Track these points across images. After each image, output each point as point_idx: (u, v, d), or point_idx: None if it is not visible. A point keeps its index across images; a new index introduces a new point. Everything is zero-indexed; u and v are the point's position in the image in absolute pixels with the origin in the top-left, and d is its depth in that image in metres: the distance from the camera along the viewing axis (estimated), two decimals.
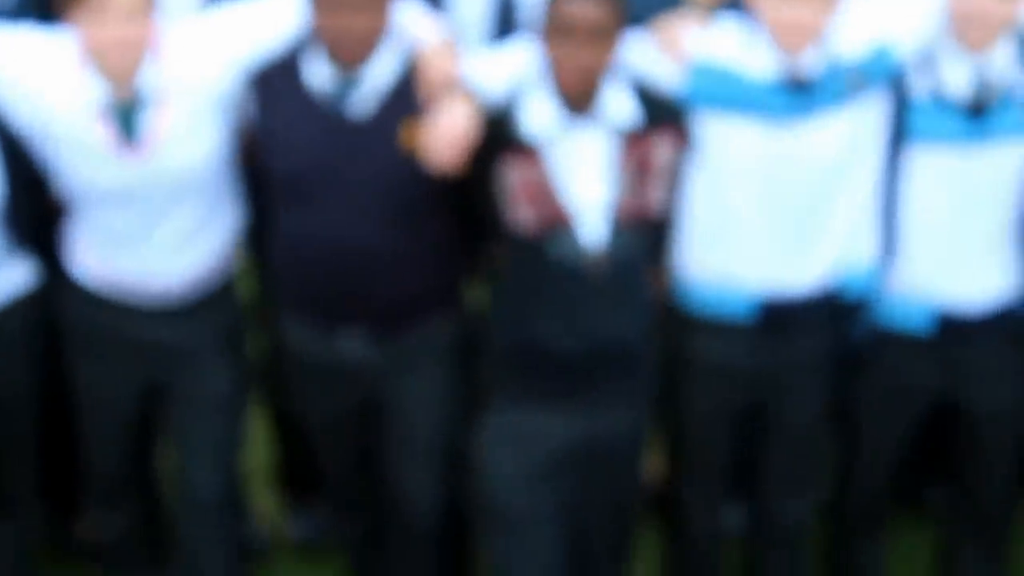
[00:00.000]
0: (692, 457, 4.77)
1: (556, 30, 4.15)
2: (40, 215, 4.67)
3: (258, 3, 4.62)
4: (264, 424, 5.31)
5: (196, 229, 4.59)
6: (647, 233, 4.36)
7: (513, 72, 4.33)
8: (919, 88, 4.43)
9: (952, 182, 4.46)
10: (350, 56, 4.30)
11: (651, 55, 4.39)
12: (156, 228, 4.55)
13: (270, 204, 4.53)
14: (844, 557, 5.08)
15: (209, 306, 4.71)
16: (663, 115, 4.29)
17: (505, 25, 4.97)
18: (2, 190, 4.55)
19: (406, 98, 4.35)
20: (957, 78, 4.39)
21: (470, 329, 4.60)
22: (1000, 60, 4.37)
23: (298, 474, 5.51)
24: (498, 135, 4.21)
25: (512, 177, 4.22)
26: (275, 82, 4.44)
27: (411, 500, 4.68)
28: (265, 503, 5.53)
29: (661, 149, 4.29)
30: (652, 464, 4.87)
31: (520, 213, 4.24)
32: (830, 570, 5.14)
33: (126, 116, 4.40)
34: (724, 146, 4.36)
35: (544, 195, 4.24)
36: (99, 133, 4.38)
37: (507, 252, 4.35)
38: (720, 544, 4.93)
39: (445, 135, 4.20)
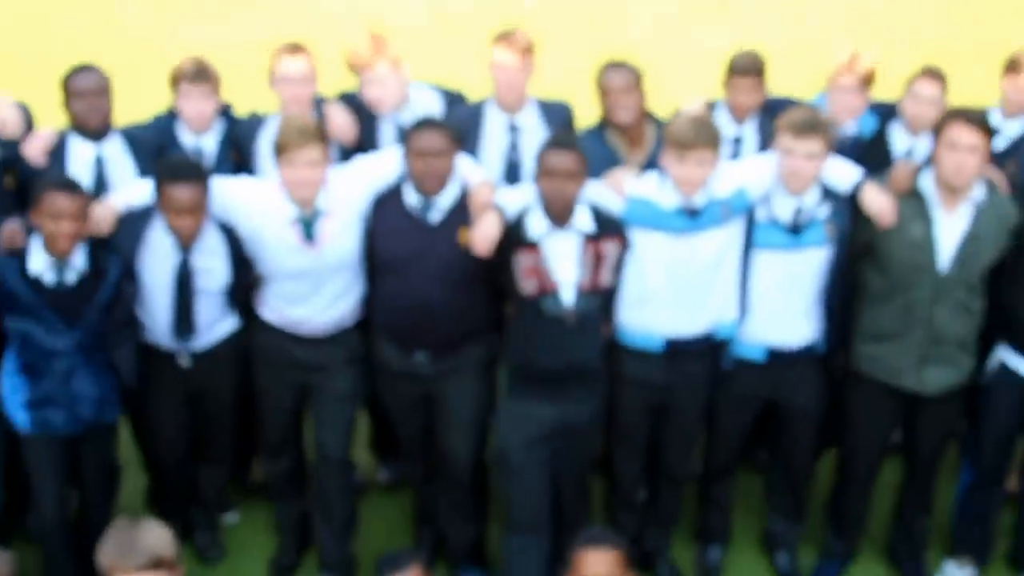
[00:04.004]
0: (623, 434, 4.83)
1: (547, 177, 4.26)
2: (246, 285, 4.72)
3: (377, 157, 4.76)
4: (362, 407, 5.29)
5: (340, 293, 4.64)
6: (600, 298, 4.44)
7: (521, 200, 4.41)
8: (761, 215, 4.53)
9: (779, 271, 4.56)
10: (430, 188, 4.42)
11: (603, 192, 4.49)
12: (316, 293, 4.61)
13: (375, 275, 4.61)
14: (709, 493, 5.14)
15: (341, 338, 4.72)
16: (610, 227, 4.41)
17: (512, 174, 5.02)
18: (230, 275, 4.61)
19: (463, 212, 4.46)
20: (783, 209, 4.50)
21: (493, 352, 4.69)
22: (809, 199, 4.49)
23: (384, 440, 5.58)
24: (513, 236, 4.33)
25: (521, 262, 4.33)
26: (386, 202, 4.52)
27: (455, 456, 4.76)
28: (363, 458, 5.56)
29: (609, 248, 4.39)
30: (598, 437, 4.90)
31: (525, 284, 4.35)
32: (700, 501, 5.17)
33: (308, 225, 4.46)
34: (646, 248, 4.46)
35: (540, 274, 4.33)
36: (290, 236, 4.48)
37: (516, 307, 4.45)
38: (638, 485, 4.98)
39: (483, 236, 4.31)
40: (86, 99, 4.77)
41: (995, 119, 5.10)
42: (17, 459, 4.58)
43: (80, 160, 4.81)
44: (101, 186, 4.76)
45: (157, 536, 3.46)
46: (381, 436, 5.58)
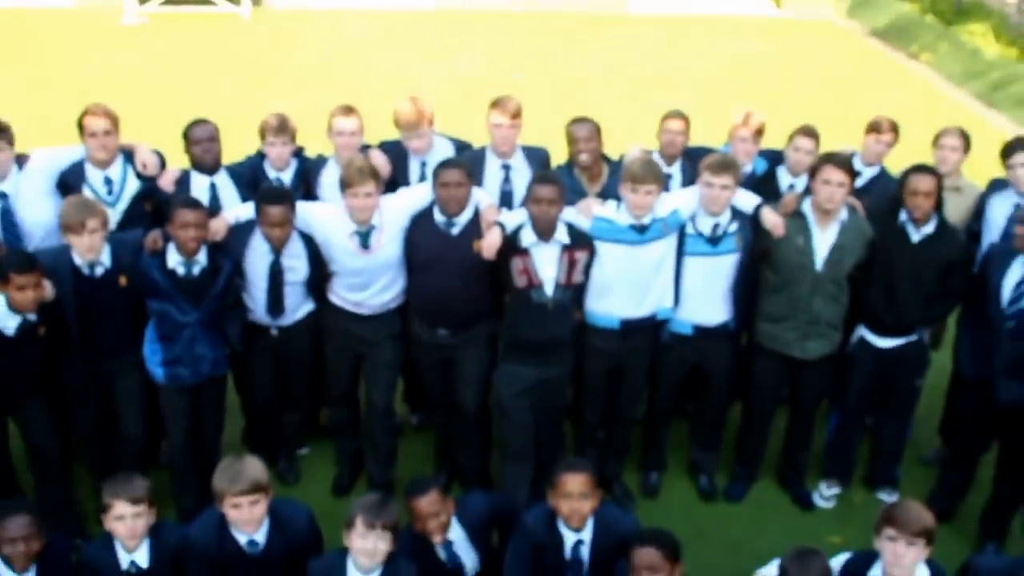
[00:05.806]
0: (588, 389, 4.89)
1: (535, 203, 4.36)
2: (320, 279, 4.76)
3: (414, 189, 4.87)
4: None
5: (387, 285, 4.76)
6: (573, 291, 4.54)
7: (517, 219, 4.49)
8: (690, 229, 4.65)
9: (703, 271, 4.68)
10: (452, 211, 4.59)
11: (576, 214, 4.56)
12: (370, 285, 4.75)
13: (411, 272, 4.71)
14: (651, 434, 5.23)
15: (387, 318, 4.82)
16: (581, 240, 4.53)
17: (505, 201, 4.98)
18: (309, 271, 4.71)
19: (476, 226, 4.59)
20: (705, 226, 4.66)
21: (494, 329, 4.72)
22: (724, 218, 4.65)
23: (415, 393, 5.69)
24: (511, 245, 4.46)
25: (516, 264, 4.48)
26: (420, 220, 4.67)
27: (466, 404, 4.88)
28: (400, 407, 5.51)
29: (580, 255, 4.53)
30: (569, 391, 4.93)
31: (518, 280, 4.49)
32: (644, 440, 5.22)
33: (364, 236, 4.62)
34: (607, 255, 4.57)
35: (529, 273, 4.47)
36: (351, 244, 4.65)
37: (511, 296, 4.54)
38: (598, 427, 5.02)
39: (490, 245, 4.44)
40: (201, 144, 4.99)
41: (857, 164, 5.27)
42: (152, 406, 4.77)
43: (198, 189, 5.01)
44: (214, 207, 4.91)
45: (257, 467, 3.70)
46: (413, 391, 5.72)
